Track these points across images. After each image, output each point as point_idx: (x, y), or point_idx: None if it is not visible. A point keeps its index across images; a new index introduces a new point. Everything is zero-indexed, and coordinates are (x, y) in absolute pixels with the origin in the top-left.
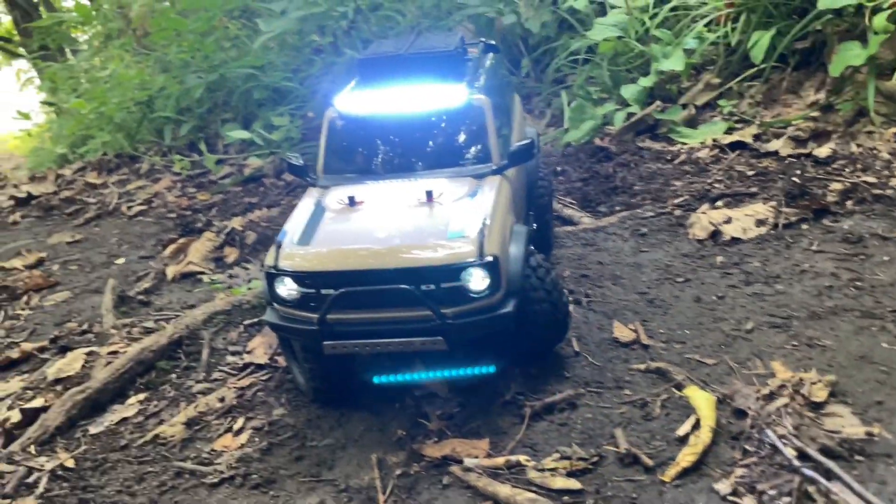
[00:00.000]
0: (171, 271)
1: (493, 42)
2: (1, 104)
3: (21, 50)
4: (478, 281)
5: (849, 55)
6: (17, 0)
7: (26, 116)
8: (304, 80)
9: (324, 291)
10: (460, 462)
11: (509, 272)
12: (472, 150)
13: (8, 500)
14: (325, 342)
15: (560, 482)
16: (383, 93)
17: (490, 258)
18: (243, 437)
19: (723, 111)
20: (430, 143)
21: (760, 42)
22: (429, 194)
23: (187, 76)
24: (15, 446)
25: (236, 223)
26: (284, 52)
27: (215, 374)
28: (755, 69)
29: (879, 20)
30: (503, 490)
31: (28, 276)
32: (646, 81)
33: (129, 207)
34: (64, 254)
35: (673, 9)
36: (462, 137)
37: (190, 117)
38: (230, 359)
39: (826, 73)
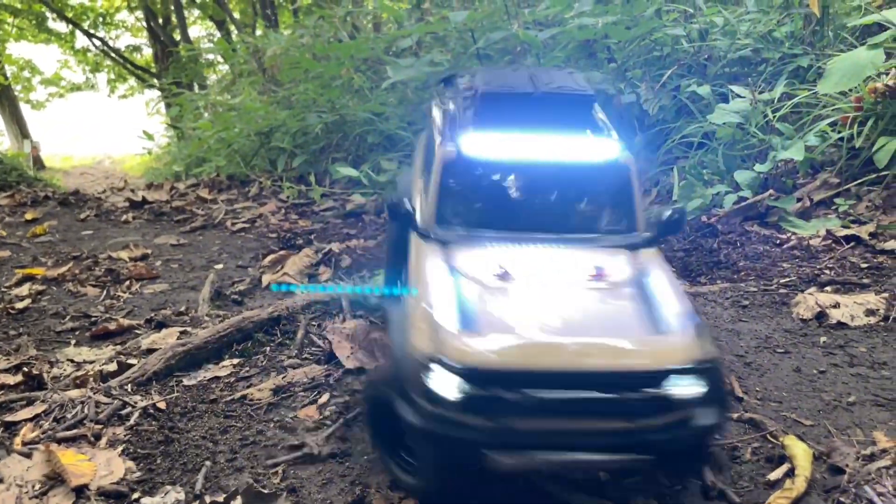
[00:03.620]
0: (266, 279)
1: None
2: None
3: (155, 81)
4: (695, 387)
5: None
6: (159, 34)
7: (150, 137)
8: (417, 132)
9: (502, 394)
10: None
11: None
12: (615, 215)
13: (100, 426)
14: (496, 456)
15: None
16: (511, 136)
17: (711, 360)
18: (326, 412)
19: (838, 210)
20: (569, 202)
21: (886, 148)
22: (598, 270)
23: (308, 114)
24: (113, 382)
25: (335, 247)
26: (403, 104)
27: (305, 354)
28: (877, 175)
29: None
30: None
31: (132, 265)
32: (762, 167)
33: (234, 223)
34: (167, 253)
35: (797, 105)
36: (604, 199)
37: (304, 152)
38: (319, 342)
39: None
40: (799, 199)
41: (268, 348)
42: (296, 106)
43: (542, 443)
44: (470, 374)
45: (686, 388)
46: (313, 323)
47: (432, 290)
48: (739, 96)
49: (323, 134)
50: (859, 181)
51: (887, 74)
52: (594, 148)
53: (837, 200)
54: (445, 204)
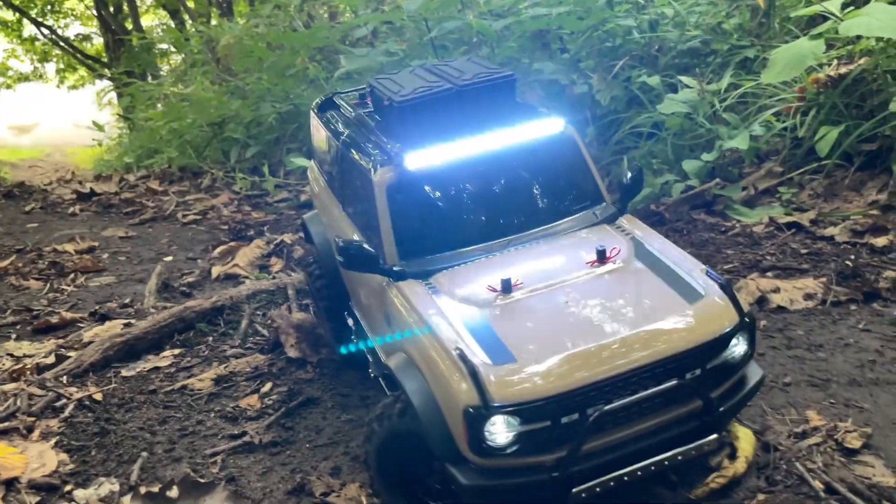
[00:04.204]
0: (216, 270)
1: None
2: (76, 121)
3: (106, 71)
4: (741, 346)
5: None
6: (110, 23)
7: (100, 128)
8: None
9: (564, 420)
10: None
11: None
12: (579, 191)
13: (33, 419)
14: (575, 490)
15: None
16: (446, 138)
17: (749, 314)
18: (268, 401)
19: (782, 198)
20: (531, 190)
21: (827, 137)
22: (601, 254)
23: (262, 104)
24: (48, 375)
25: (287, 238)
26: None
27: (249, 344)
28: (819, 163)
29: None
30: None
31: (78, 258)
32: (708, 157)
33: (185, 215)
34: (115, 246)
35: (743, 95)
36: (563, 177)
37: (258, 142)
38: (264, 332)
39: (890, 175)
40: (744, 188)
41: (210, 338)
42: (249, 96)
43: (620, 457)
44: (526, 409)
45: (738, 347)
46: (258, 312)
47: (440, 331)
48: (688, 87)
49: (277, 124)
50: (802, 170)
51: (829, 65)
52: (536, 126)
53: (781, 189)
54: (403, 234)
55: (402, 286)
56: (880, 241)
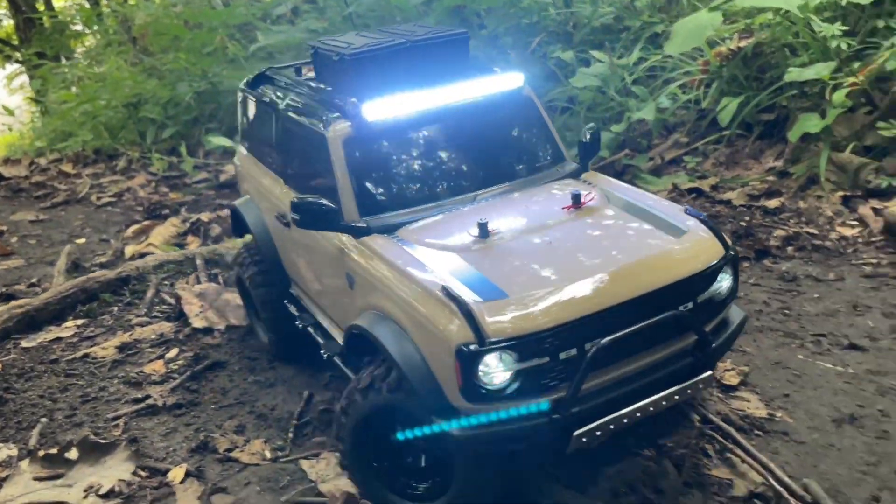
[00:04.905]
0: (129, 250)
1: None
2: None
3: (17, 54)
4: (727, 281)
5: (808, 124)
6: (20, 4)
7: (10, 112)
8: None
9: (562, 356)
10: None
11: None
12: (541, 150)
13: None
14: (576, 433)
15: None
16: (402, 91)
17: (733, 247)
18: (173, 366)
19: (687, 166)
20: (492, 144)
21: (728, 108)
22: (576, 198)
23: (179, 84)
24: None
25: (204, 216)
26: None
27: (155, 312)
28: (721, 133)
29: (839, 96)
30: None
31: None
32: (617, 128)
33: (99, 198)
34: (24, 230)
35: (652, 69)
36: (525, 135)
37: (175, 123)
38: (171, 301)
39: (786, 144)
40: (651, 158)
41: (115, 308)
42: (166, 75)
43: (620, 397)
44: (526, 343)
45: (724, 283)
46: (165, 282)
47: (418, 275)
48: (599, 61)
49: (195, 104)
50: (706, 140)
51: (731, 39)
52: (495, 80)
53: (686, 158)
54: (363, 190)
55: (367, 241)
56: (773, 203)
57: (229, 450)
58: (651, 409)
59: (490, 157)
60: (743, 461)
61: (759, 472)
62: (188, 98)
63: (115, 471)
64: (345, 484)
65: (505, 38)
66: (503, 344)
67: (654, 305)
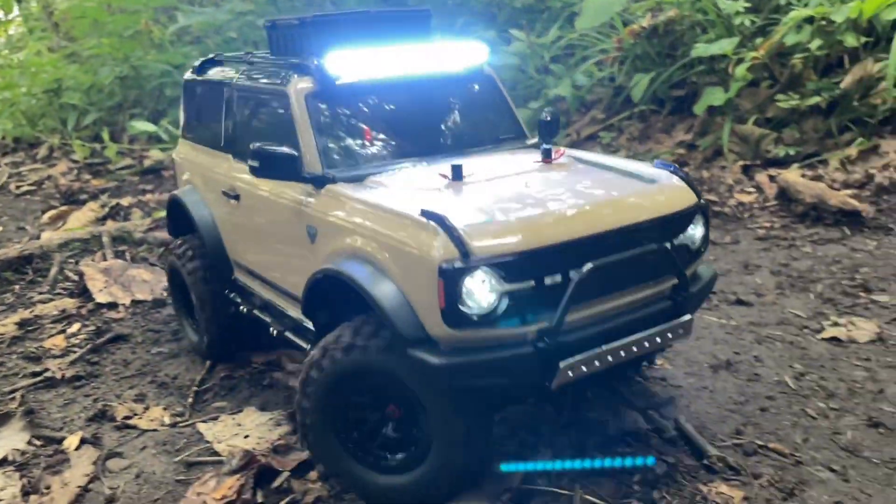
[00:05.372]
0: (46, 236)
1: None
2: None
3: None
4: (699, 230)
5: (712, 97)
6: None
7: None
8: None
9: (548, 281)
10: (283, 368)
11: None
12: (504, 124)
13: None
14: (563, 364)
15: None
16: (365, 52)
17: (703, 200)
18: (74, 340)
19: (602, 142)
20: (456, 113)
21: (640, 84)
22: (546, 152)
23: (101, 69)
24: None
25: (124, 201)
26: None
27: (59, 290)
28: (634, 110)
29: (740, 70)
30: None
31: None
32: (535, 104)
33: (18, 187)
34: None
35: (571, 47)
36: (488, 110)
37: (98, 109)
38: (75, 278)
39: (696, 118)
40: (569, 135)
41: (17, 286)
42: (88, 61)
43: (603, 332)
44: (513, 262)
45: (697, 231)
46: (70, 260)
47: (393, 204)
48: (519, 40)
49: (119, 89)
50: (620, 116)
51: (643, 17)
52: (458, 50)
53: (602, 134)
54: (326, 145)
55: (332, 188)
56: None
57: (128, 417)
58: (634, 349)
59: (455, 126)
60: (620, 404)
61: (633, 413)
62: (110, 83)
63: (10, 441)
64: (242, 443)
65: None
66: (489, 261)
67: (635, 240)
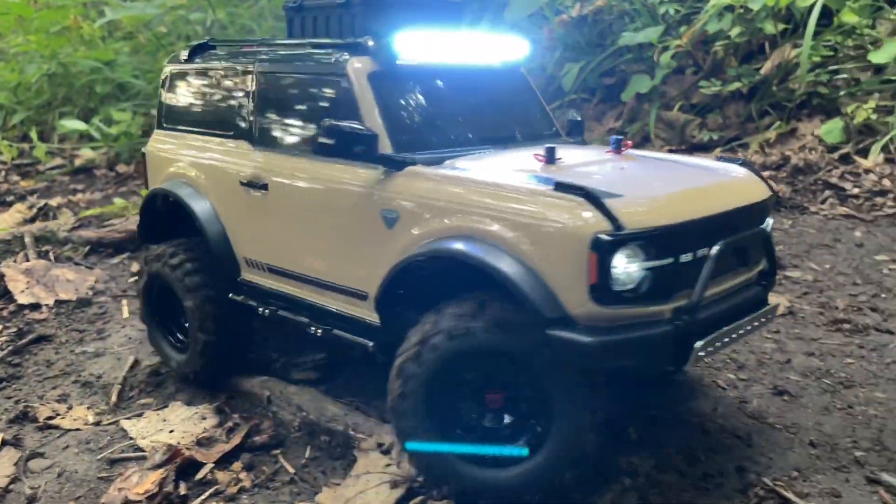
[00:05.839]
0: None
1: None
2: None
3: None
4: (770, 224)
5: (639, 84)
6: None
7: None
8: (153, 80)
9: (683, 259)
10: None
11: None
12: (543, 121)
13: None
14: (698, 344)
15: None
16: (424, 35)
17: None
18: None
19: None
20: (501, 105)
21: (571, 73)
22: (616, 142)
23: (28, 66)
24: None
25: (54, 201)
26: (138, 53)
27: None
28: (565, 99)
29: (665, 58)
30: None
31: None
32: None
33: None
34: None
35: None
36: (532, 105)
37: (25, 108)
38: None
39: (625, 105)
40: None
41: None
42: (14, 59)
43: (724, 311)
44: (654, 239)
45: (769, 225)
46: None
47: (514, 183)
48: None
49: (47, 87)
50: (552, 105)
51: (573, 7)
52: (505, 41)
53: None
54: (395, 126)
55: (416, 170)
56: None
57: (50, 417)
58: (747, 328)
59: (507, 118)
60: None
61: None
62: (37, 81)
63: None
64: (167, 438)
65: None
66: (639, 235)
67: (745, 224)
